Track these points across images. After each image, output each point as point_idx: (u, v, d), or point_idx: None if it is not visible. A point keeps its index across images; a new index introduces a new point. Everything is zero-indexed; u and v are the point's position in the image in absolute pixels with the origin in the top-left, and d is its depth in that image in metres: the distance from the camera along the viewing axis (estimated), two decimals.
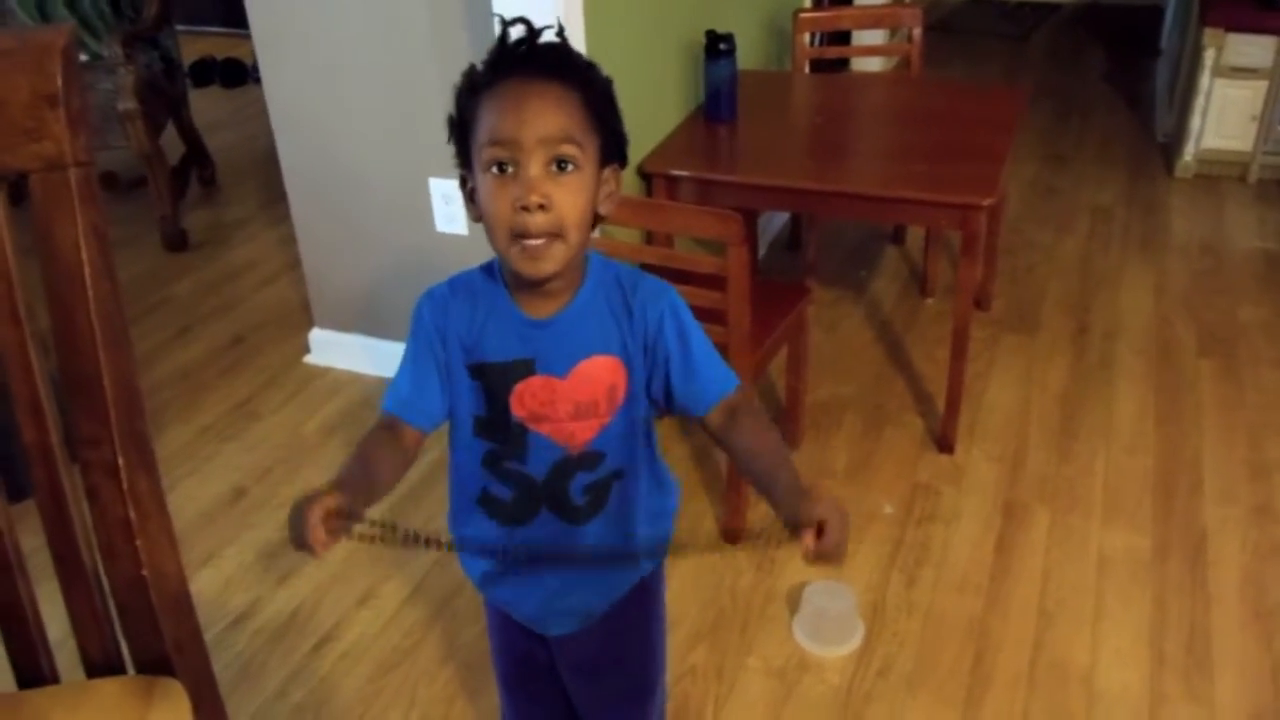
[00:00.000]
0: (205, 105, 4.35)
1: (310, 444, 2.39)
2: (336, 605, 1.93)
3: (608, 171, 1.01)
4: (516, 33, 0.98)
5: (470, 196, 1.01)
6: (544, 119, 0.93)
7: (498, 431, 1.06)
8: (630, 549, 1.16)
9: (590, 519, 1.11)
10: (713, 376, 1.06)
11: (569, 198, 0.95)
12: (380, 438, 1.04)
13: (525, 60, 0.95)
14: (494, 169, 0.94)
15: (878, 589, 1.92)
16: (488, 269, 1.06)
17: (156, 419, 2.45)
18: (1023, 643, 1.79)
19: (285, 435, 2.42)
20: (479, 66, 0.98)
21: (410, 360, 1.07)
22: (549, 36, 0.99)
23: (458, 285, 1.07)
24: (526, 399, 1.04)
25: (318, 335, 2.70)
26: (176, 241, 3.33)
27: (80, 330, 0.77)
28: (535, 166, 0.93)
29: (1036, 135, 3.89)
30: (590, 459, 1.08)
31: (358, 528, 0.90)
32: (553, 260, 0.96)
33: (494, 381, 1.04)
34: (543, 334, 1.03)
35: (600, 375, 1.05)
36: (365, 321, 2.57)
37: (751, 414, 1.07)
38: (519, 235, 0.95)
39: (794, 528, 0.92)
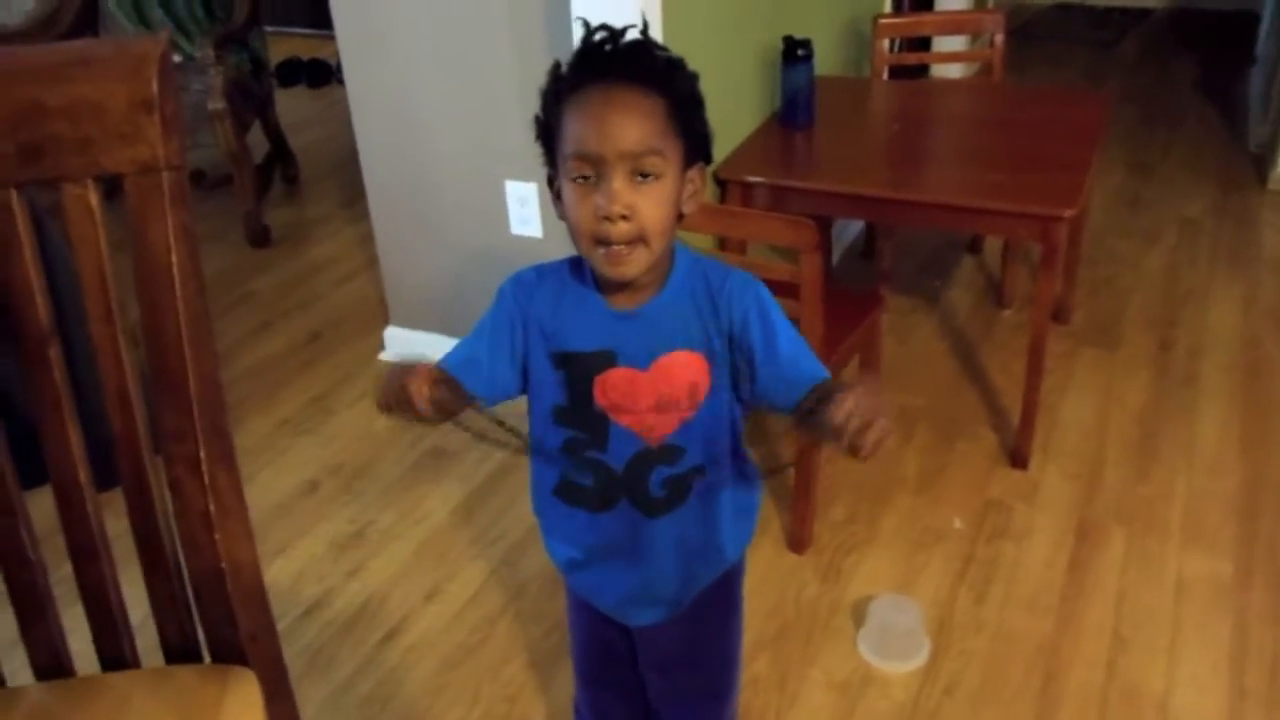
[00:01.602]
0: (290, 105, 4.46)
1: (382, 440, 2.43)
2: (405, 599, 1.96)
3: (692, 171, 1.02)
4: (600, 35, 0.99)
5: (557, 195, 1.02)
6: (626, 132, 0.94)
7: (580, 420, 1.08)
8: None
9: (668, 512, 1.11)
10: (802, 369, 1.05)
11: (651, 207, 0.96)
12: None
13: (608, 65, 0.96)
14: (578, 178, 0.96)
15: (945, 605, 1.89)
16: (576, 261, 1.07)
17: (236, 411, 2.52)
18: (1095, 666, 1.75)
19: (358, 431, 2.47)
20: (563, 69, 0.99)
21: (479, 331, 1.09)
22: (633, 35, 1.00)
23: (545, 273, 1.08)
24: (609, 389, 1.05)
25: (393, 333, 2.75)
26: (259, 238, 3.42)
27: (168, 328, 0.80)
28: (618, 179, 0.94)
29: (1122, 143, 3.79)
30: (670, 453, 1.08)
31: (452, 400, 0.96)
32: (635, 265, 0.98)
33: (577, 371, 1.06)
34: (625, 326, 1.04)
35: (682, 370, 1.05)
36: (439, 320, 2.61)
37: None
38: (601, 242, 0.96)
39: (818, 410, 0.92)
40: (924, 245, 3.18)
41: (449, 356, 1.08)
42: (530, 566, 2.00)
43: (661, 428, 1.07)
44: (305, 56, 5.09)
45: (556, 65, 1.01)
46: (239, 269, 3.30)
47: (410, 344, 2.69)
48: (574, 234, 0.99)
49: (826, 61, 2.76)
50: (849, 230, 3.22)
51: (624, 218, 0.94)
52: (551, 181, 1.03)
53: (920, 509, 2.12)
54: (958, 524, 2.08)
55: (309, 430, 2.49)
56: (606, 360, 1.05)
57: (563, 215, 1.01)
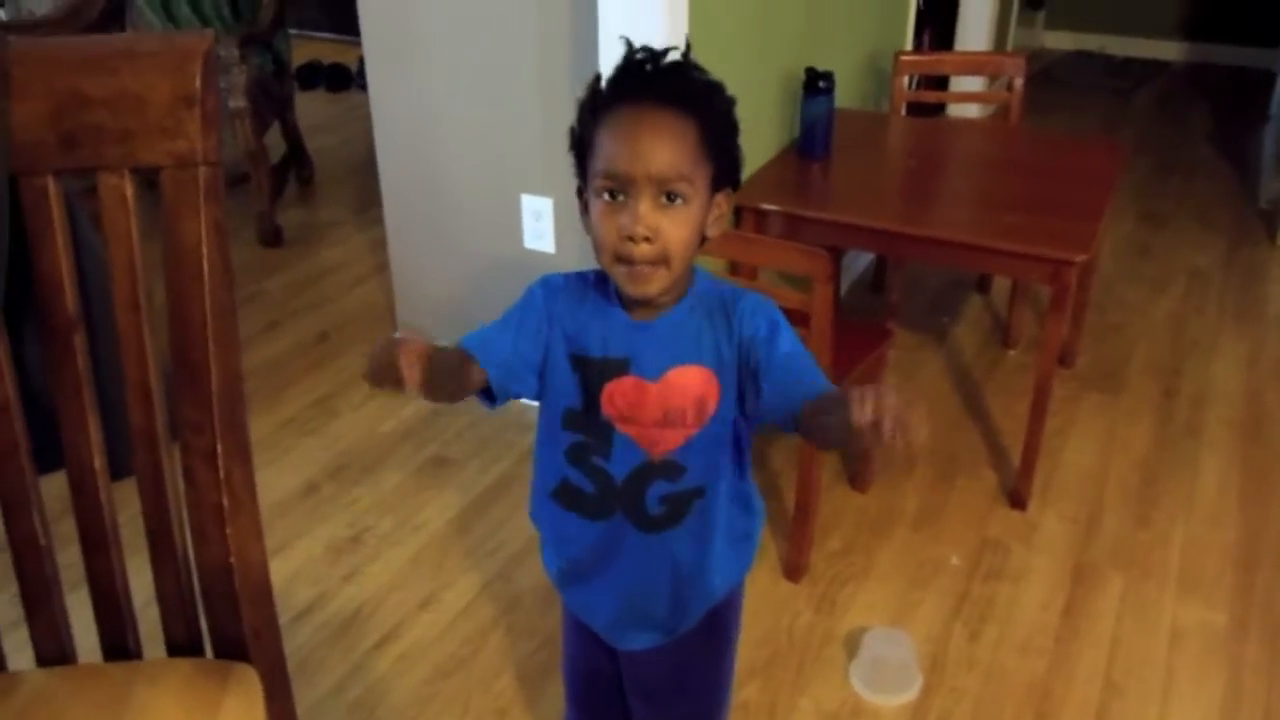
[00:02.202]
0: (309, 108, 4.48)
1: (385, 445, 2.43)
2: (399, 607, 1.96)
3: (719, 196, 1.03)
4: (641, 54, 1.00)
5: (584, 208, 1.03)
6: (656, 155, 0.95)
7: (588, 425, 1.08)
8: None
9: (665, 530, 1.11)
10: (811, 381, 1.03)
11: (675, 230, 0.97)
12: (453, 350, 1.03)
13: (646, 85, 0.97)
14: (605, 195, 0.97)
15: (939, 641, 1.89)
16: (600, 274, 1.08)
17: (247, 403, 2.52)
18: (1086, 711, 1.75)
19: (362, 434, 2.48)
20: (602, 85, 1.00)
21: (504, 320, 1.08)
22: (674, 57, 1.01)
23: (573, 279, 1.10)
24: (617, 398, 1.06)
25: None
26: (272, 238, 3.44)
27: (194, 320, 0.81)
28: (644, 201, 0.96)
29: (1135, 192, 3.82)
30: (671, 469, 1.08)
31: (439, 380, 0.91)
32: (655, 284, 0.99)
33: (591, 376, 1.06)
34: (641, 336, 1.05)
35: (691, 385, 1.05)
36: (448, 329, 2.59)
37: None
38: (623, 260, 0.98)
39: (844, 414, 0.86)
40: (932, 282, 3.20)
41: (469, 337, 1.06)
42: (525, 580, 2.00)
43: (665, 442, 1.07)
44: (326, 61, 5.12)
45: (596, 79, 1.02)
46: (249, 268, 3.31)
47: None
48: (597, 249, 1.00)
49: (846, 94, 2.78)
50: (858, 263, 3.23)
51: (647, 239, 0.96)
52: (580, 193, 1.04)
53: (918, 544, 2.12)
54: (955, 561, 2.08)
55: (313, 431, 2.49)
56: (620, 368, 1.06)
57: (588, 228, 1.02)
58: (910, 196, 2.36)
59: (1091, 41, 5.74)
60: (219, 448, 0.84)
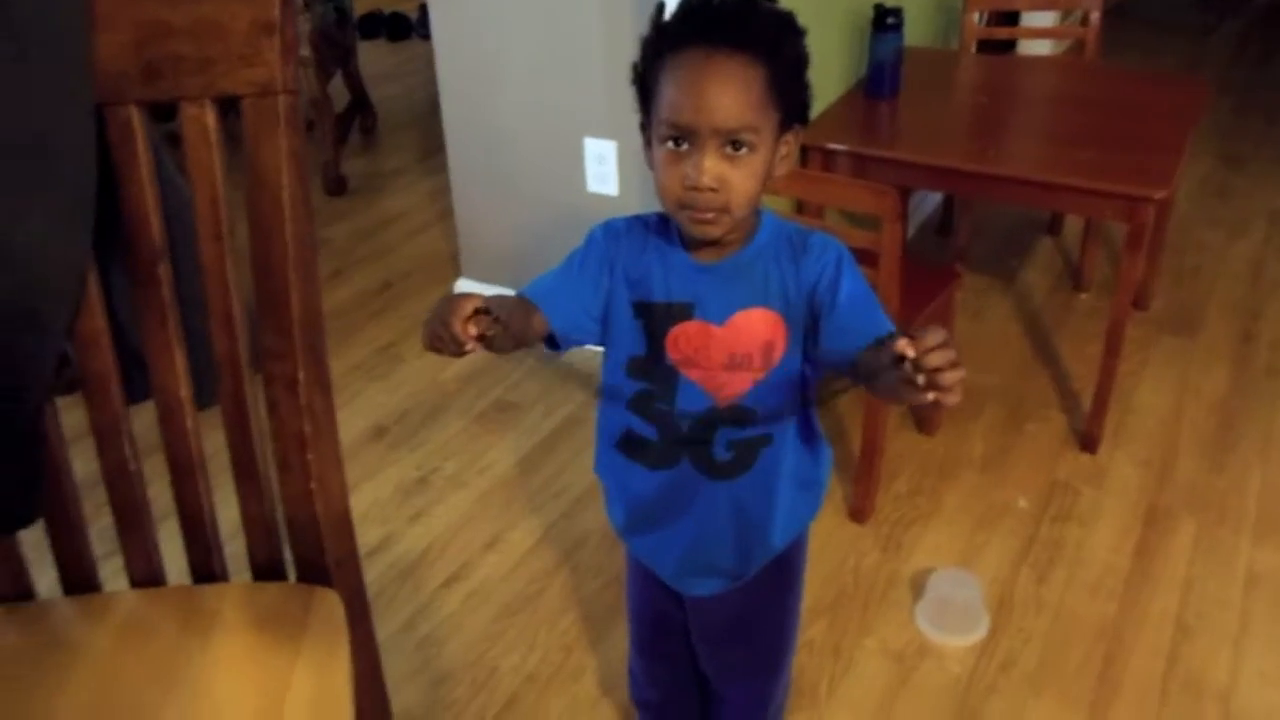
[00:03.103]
0: (371, 57, 4.50)
1: (448, 391, 2.46)
2: (466, 547, 1.99)
3: (788, 135, 1.00)
4: None
5: (648, 142, 1.01)
6: (722, 106, 0.92)
7: (652, 372, 1.07)
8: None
9: (730, 476, 1.10)
10: (871, 320, 1.01)
11: (741, 180, 0.95)
12: (515, 299, 1.02)
13: (712, 27, 0.93)
14: (669, 143, 0.95)
15: (1006, 583, 1.87)
16: (663, 216, 1.06)
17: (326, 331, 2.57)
18: (1157, 653, 1.73)
19: (425, 381, 2.51)
20: (665, 19, 0.97)
21: (565, 267, 1.08)
22: None
23: (634, 223, 1.08)
24: (682, 342, 1.05)
25: (463, 286, 2.77)
26: (336, 186, 3.47)
27: (275, 248, 0.82)
28: (709, 152, 0.93)
29: (1214, 133, 3.68)
30: (738, 414, 1.07)
31: (499, 335, 0.88)
32: (720, 226, 0.98)
33: (655, 321, 1.05)
34: (706, 279, 1.04)
35: (757, 328, 1.04)
36: (510, 275, 2.63)
37: None
38: (687, 206, 0.96)
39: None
40: (1001, 224, 3.13)
41: (531, 286, 1.06)
42: (590, 521, 2.03)
43: (732, 387, 1.06)
44: (387, 10, 5.13)
45: (660, 10, 0.99)
46: (314, 216, 3.34)
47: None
48: (660, 193, 0.99)
49: (915, 32, 2.71)
50: (925, 205, 3.18)
51: (712, 189, 0.94)
52: (644, 128, 1.02)
53: (985, 487, 2.10)
54: (1022, 504, 2.06)
55: (379, 376, 2.53)
56: (684, 312, 1.04)
57: (651, 164, 1.01)
58: (980, 135, 2.31)
59: None
60: (300, 376, 0.86)
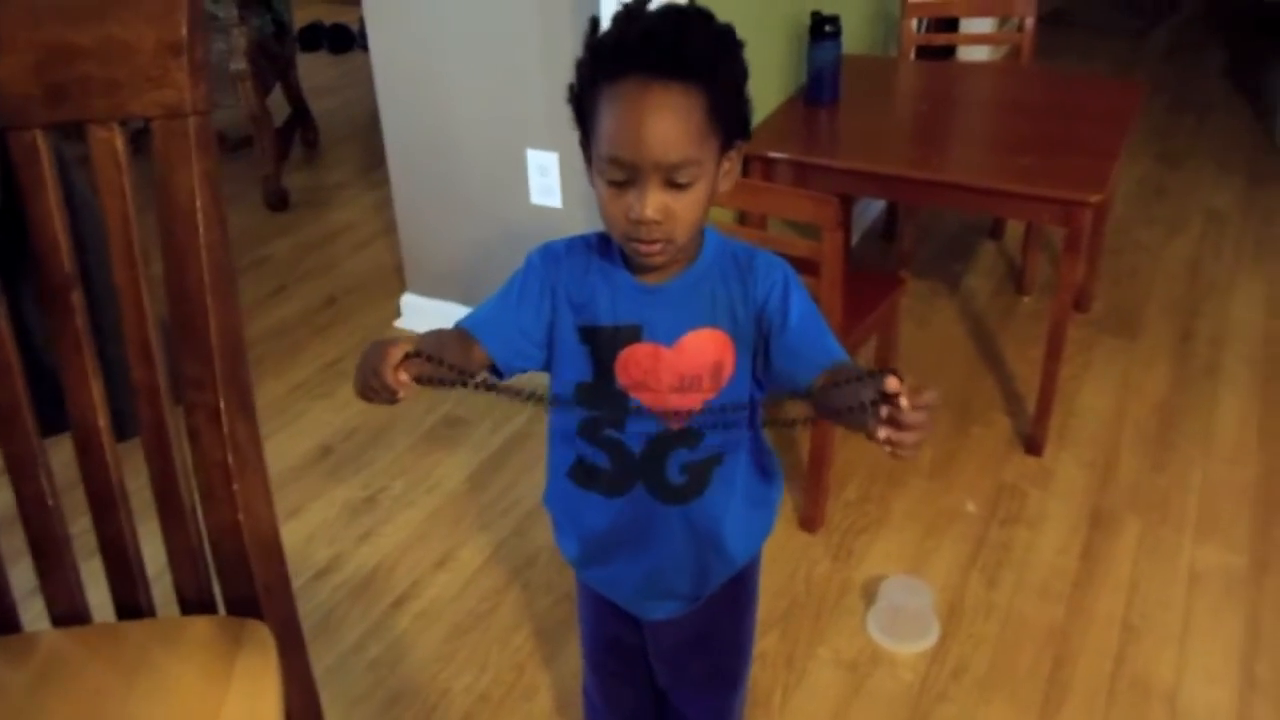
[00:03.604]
0: (312, 69, 4.44)
1: (396, 407, 2.40)
2: (415, 565, 1.97)
3: (730, 153, 0.98)
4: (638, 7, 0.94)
5: (589, 160, 0.99)
6: (663, 142, 0.90)
7: (601, 398, 1.05)
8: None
9: (685, 500, 1.09)
10: (823, 346, 1.02)
11: (685, 210, 0.94)
12: (451, 333, 1.01)
13: (648, 55, 0.90)
14: (611, 179, 0.93)
15: (956, 588, 1.88)
16: (603, 236, 1.04)
17: (252, 373, 2.52)
18: (1104, 655, 1.74)
19: None
20: (600, 38, 0.94)
21: (503, 294, 1.05)
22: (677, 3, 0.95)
23: (575, 246, 1.06)
24: (631, 366, 1.03)
25: (409, 300, 2.74)
26: (277, 201, 3.42)
27: (190, 274, 0.80)
28: (652, 187, 0.92)
29: (1149, 133, 3.75)
30: (689, 437, 1.06)
31: (432, 372, 0.87)
32: (665, 255, 0.97)
33: (602, 345, 1.03)
34: (653, 300, 1.02)
35: (707, 349, 1.03)
36: (456, 288, 2.61)
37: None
38: (632, 239, 0.95)
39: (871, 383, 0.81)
40: (944, 229, 3.16)
41: (469, 317, 1.05)
42: (540, 537, 2.00)
43: (683, 408, 1.04)
44: (328, 21, 5.07)
45: (594, 27, 0.97)
46: (256, 232, 3.30)
47: (426, 311, 2.69)
48: (605, 221, 0.97)
49: (854, 39, 2.73)
50: (869, 211, 3.20)
51: (656, 222, 0.93)
52: (583, 145, 1.00)
53: (934, 492, 2.11)
54: (970, 508, 2.07)
55: (324, 395, 2.49)
56: (632, 335, 1.03)
57: (592, 181, 0.99)
58: (920, 141, 2.33)
59: None
60: (222, 404, 0.83)
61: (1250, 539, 1.97)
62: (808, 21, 2.35)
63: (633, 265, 1.02)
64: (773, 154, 2.17)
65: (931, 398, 0.77)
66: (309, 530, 2.06)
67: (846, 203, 2.58)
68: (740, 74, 0.97)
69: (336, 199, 3.54)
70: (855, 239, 3.04)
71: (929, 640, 1.77)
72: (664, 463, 1.07)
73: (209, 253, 0.78)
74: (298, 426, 2.38)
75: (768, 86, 2.42)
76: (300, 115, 3.80)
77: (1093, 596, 1.86)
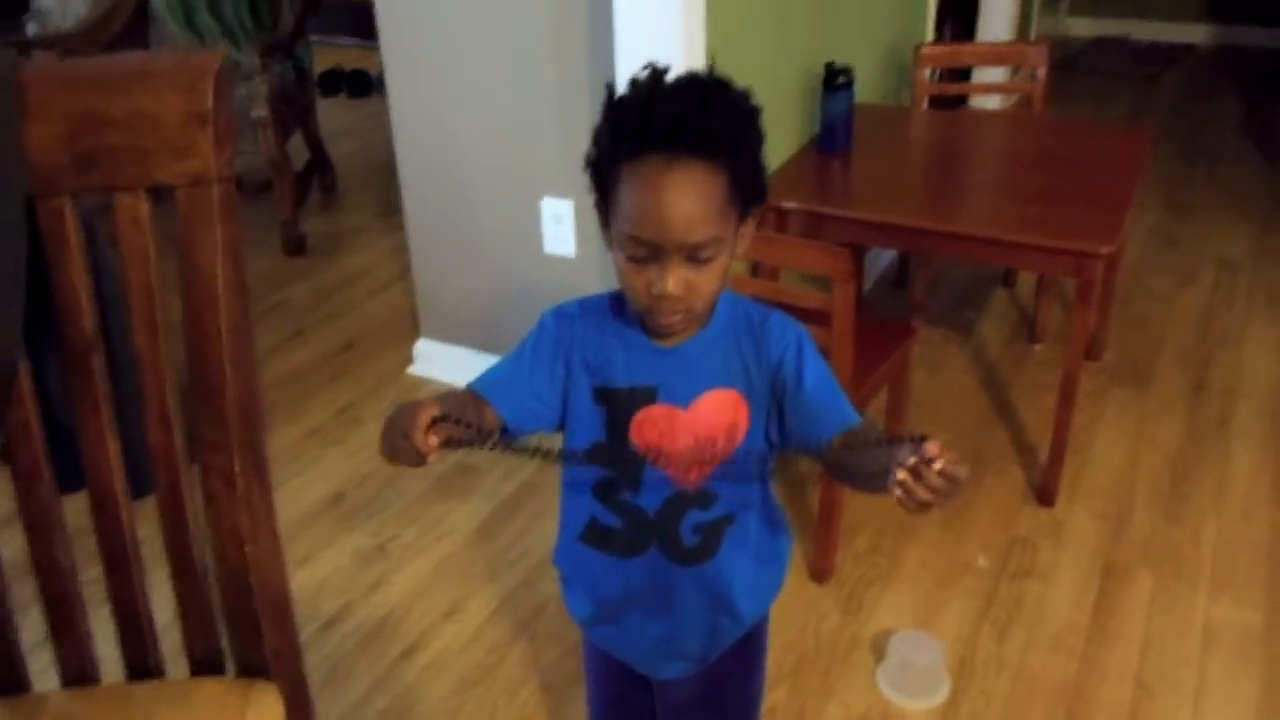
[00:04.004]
0: (331, 114, 4.51)
1: None
2: (424, 616, 1.96)
3: (749, 219, 0.99)
4: (658, 81, 0.93)
5: (605, 224, 1.00)
6: (687, 223, 0.90)
7: (615, 460, 1.05)
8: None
9: (699, 561, 1.08)
10: (837, 409, 1.03)
11: (706, 283, 0.95)
12: (466, 395, 1.02)
13: (670, 134, 0.90)
14: (633, 253, 0.94)
15: (967, 643, 1.87)
16: (617, 296, 1.05)
17: (266, 419, 2.54)
18: (1117, 712, 1.72)
19: None
20: (621, 125, 0.93)
21: (516, 356, 1.06)
22: (696, 73, 0.95)
23: (588, 307, 1.07)
24: (646, 428, 1.03)
25: (423, 346, 2.76)
26: (295, 246, 3.46)
27: (210, 340, 0.81)
28: (674, 265, 0.92)
29: (1161, 181, 3.76)
30: (704, 498, 1.06)
31: (460, 434, 0.89)
32: (684, 323, 0.98)
33: (617, 407, 1.04)
34: (668, 361, 1.03)
35: (723, 410, 1.03)
36: (470, 335, 2.62)
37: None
38: (652, 311, 0.96)
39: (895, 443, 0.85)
40: (957, 277, 3.17)
41: (480, 379, 1.05)
42: (548, 588, 2.00)
43: (699, 470, 1.05)
44: (348, 67, 5.15)
45: (611, 97, 0.96)
46: (274, 276, 3.33)
47: (440, 357, 2.71)
48: (625, 292, 0.98)
49: (867, 88, 2.76)
50: (882, 259, 3.21)
51: (678, 297, 0.94)
52: (598, 205, 1.01)
53: (945, 543, 2.10)
54: (982, 561, 2.06)
55: (337, 441, 2.50)
56: (647, 396, 1.03)
57: (609, 244, 0.99)
58: (933, 191, 2.34)
59: (1115, 27, 5.68)
60: (237, 467, 0.84)
61: (1265, 595, 1.96)
62: (821, 72, 2.37)
63: (648, 327, 1.03)
64: (786, 204, 2.19)
65: (964, 472, 0.79)
66: (319, 579, 2.06)
67: (859, 250, 2.59)
68: (759, 142, 0.97)
69: (354, 243, 3.57)
70: (868, 286, 3.05)
71: (939, 696, 1.75)
72: (678, 524, 1.07)
73: (228, 318, 0.80)
74: (311, 473, 2.38)
75: (781, 136, 2.44)
76: (319, 160, 3.85)
77: (1106, 652, 1.84)
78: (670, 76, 0.94)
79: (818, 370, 1.04)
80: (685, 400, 1.03)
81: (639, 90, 0.94)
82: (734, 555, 1.10)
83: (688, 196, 0.90)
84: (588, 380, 1.04)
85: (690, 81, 0.93)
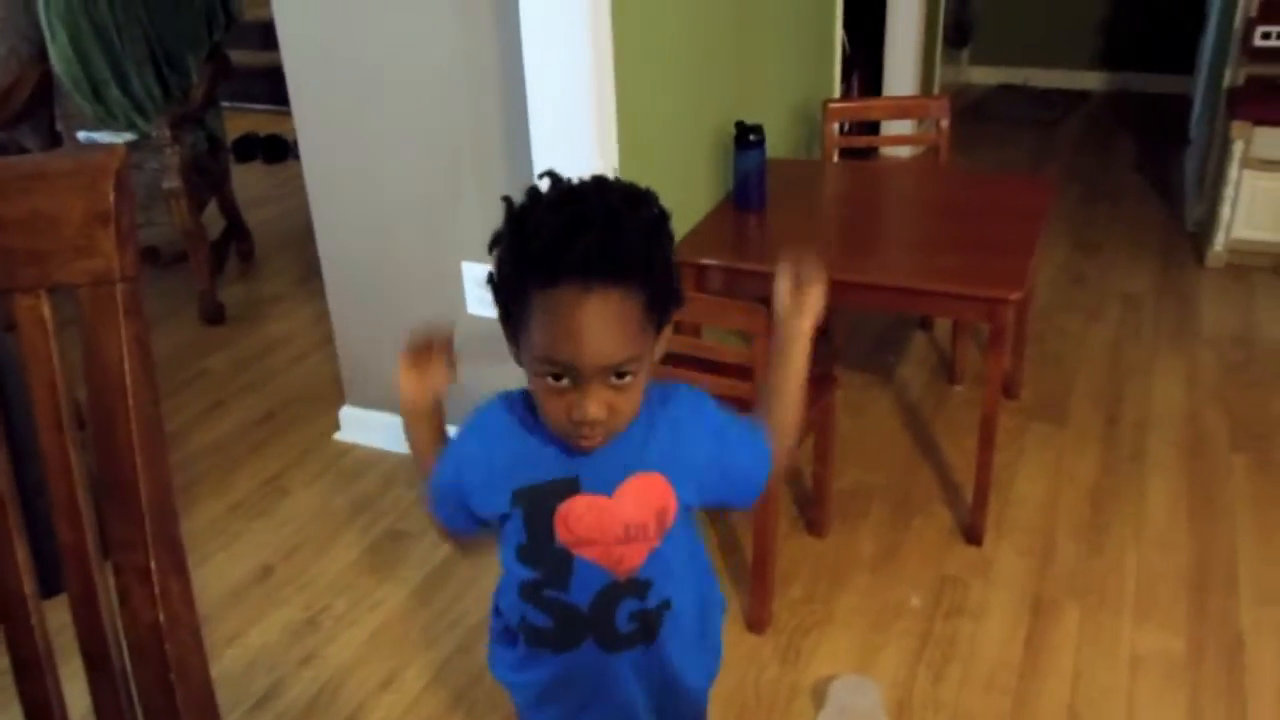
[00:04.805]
0: (247, 180, 4.46)
1: (337, 522, 2.40)
2: (360, 688, 1.92)
3: (666, 326, 0.98)
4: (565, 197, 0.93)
5: (512, 338, 0.98)
6: (607, 347, 0.89)
7: (542, 558, 1.02)
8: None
9: (637, 646, 1.07)
10: (753, 470, 1.06)
11: (628, 402, 0.94)
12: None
13: (582, 263, 0.88)
14: (549, 379, 0.92)
15: (904, 685, 1.89)
16: (526, 396, 1.03)
17: (188, 493, 2.48)
18: None
19: (313, 512, 2.44)
20: (529, 252, 0.90)
21: (441, 468, 1.08)
22: (603, 180, 0.95)
23: (497, 409, 1.05)
24: (572, 521, 1.01)
25: (348, 412, 2.73)
26: (214, 315, 3.40)
27: (119, 437, 0.79)
28: (593, 388, 0.91)
29: (1066, 222, 3.91)
30: (638, 586, 1.04)
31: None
32: (603, 442, 0.97)
33: (537, 504, 1.01)
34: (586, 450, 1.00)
35: (650, 494, 1.01)
36: (395, 400, 2.59)
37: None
38: (572, 434, 0.95)
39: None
40: (876, 322, 3.24)
41: (429, 486, 1.09)
42: (485, 653, 1.97)
43: (629, 559, 1.02)
44: (262, 133, 5.11)
45: (512, 214, 0.93)
46: (192, 347, 3.27)
47: (366, 424, 2.68)
48: (543, 416, 0.96)
49: (779, 142, 2.83)
50: None
51: (600, 420, 0.92)
52: (505, 321, 0.98)
53: (877, 587, 2.13)
54: (915, 602, 2.09)
55: (262, 513, 2.45)
56: (569, 487, 1.00)
57: (518, 359, 0.97)
58: (846, 243, 2.40)
59: (1015, 75, 5.90)
60: (152, 564, 0.82)
61: (1187, 621, 2.01)
62: (733, 130, 2.43)
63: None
64: (704, 260, 2.23)
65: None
66: (249, 657, 2.01)
67: None
68: (670, 249, 0.96)
69: (274, 311, 3.53)
70: None
71: None
72: (613, 614, 1.04)
73: (138, 415, 0.79)
74: (237, 547, 2.33)
75: (697, 194, 2.49)
76: (235, 228, 3.80)
77: (1038, 686, 1.87)
78: (574, 186, 0.93)
79: (733, 438, 1.06)
80: (609, 488, 1.01)
81: (544, 210, 0.91)
82: (673, 637, 1.09)
83: (606, 323, 0.89)
84: (506, 483, 1.02)
85: (597, 201, 0.90)
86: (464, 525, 1.08)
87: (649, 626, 1.06)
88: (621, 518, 1.01)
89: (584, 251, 0.87)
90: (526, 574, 1.04)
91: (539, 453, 1.01)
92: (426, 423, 1.11)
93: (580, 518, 1.01)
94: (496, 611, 1.15)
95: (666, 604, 1.07)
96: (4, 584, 0.86)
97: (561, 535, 1.01)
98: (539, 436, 1.02)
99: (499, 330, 1.00)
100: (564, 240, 0.88)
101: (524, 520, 1.02)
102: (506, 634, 1.14)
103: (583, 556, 1.02)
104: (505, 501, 1.02)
